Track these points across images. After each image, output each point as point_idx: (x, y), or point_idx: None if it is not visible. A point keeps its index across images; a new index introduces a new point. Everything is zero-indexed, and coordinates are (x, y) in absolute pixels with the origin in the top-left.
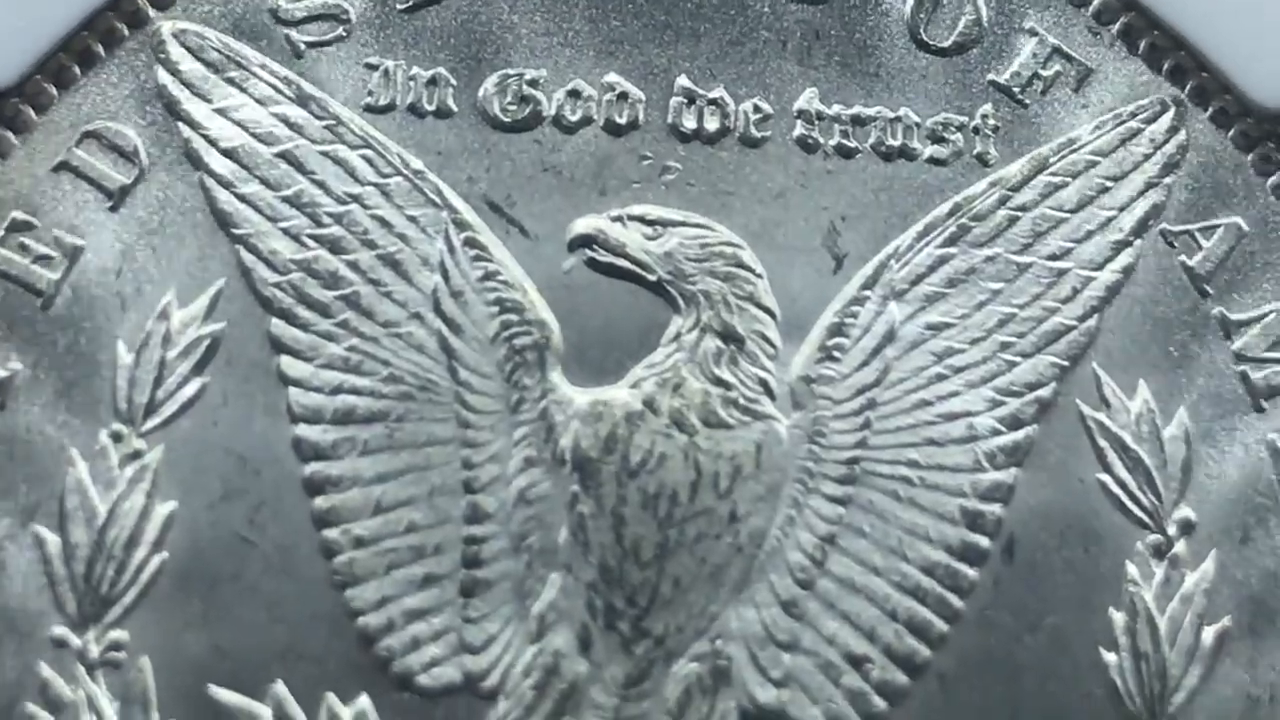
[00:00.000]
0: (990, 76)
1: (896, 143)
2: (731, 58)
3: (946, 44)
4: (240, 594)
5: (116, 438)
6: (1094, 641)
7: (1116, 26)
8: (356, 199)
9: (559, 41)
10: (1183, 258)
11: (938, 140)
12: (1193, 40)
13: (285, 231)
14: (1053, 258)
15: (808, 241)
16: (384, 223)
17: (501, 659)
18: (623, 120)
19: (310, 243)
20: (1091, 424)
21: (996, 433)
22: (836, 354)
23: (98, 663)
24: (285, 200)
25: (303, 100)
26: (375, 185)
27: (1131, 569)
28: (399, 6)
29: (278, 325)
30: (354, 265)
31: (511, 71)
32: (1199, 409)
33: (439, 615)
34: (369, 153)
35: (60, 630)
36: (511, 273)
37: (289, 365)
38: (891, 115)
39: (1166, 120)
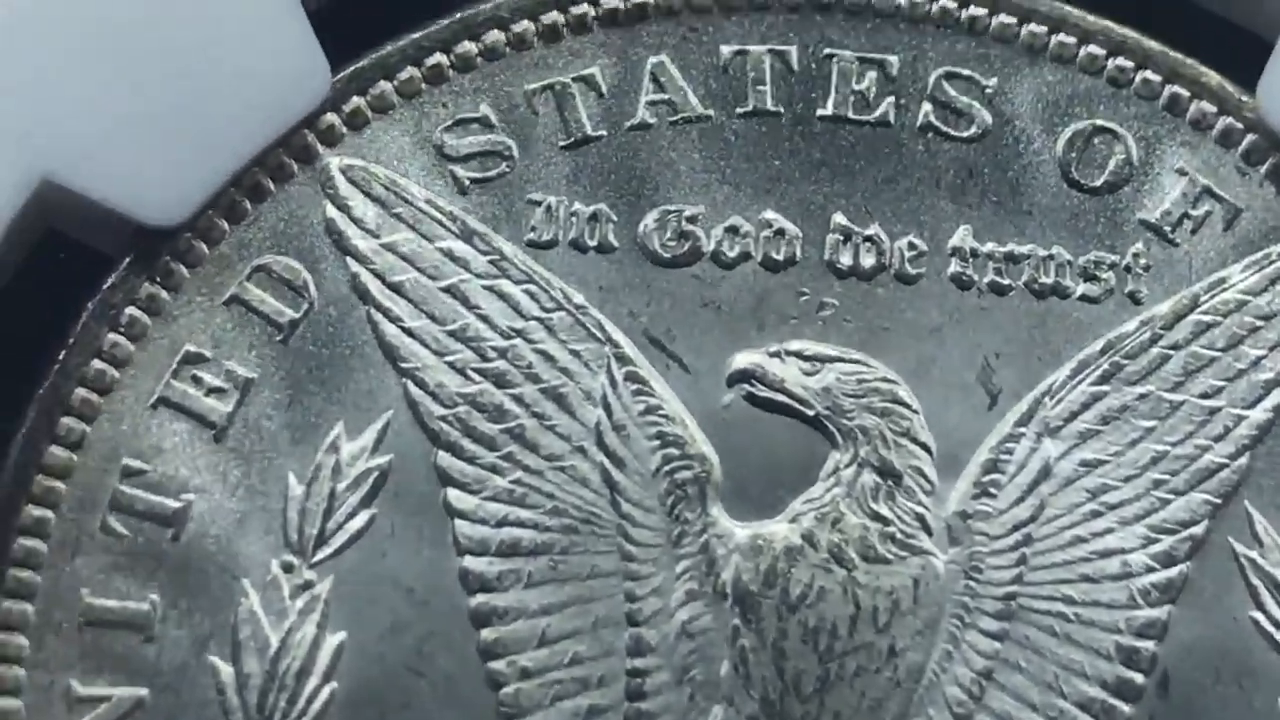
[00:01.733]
0: (1141, 215)
1: (1049, 280)
2: (886, 195)
3: (1098, 183)
4: None
5: (288, 568)
6: None
7: (1265, 166)
8: (520, 333)
9: (717, 179)
10: None
11: (1090, 278)
12: None
13: (451, 365)
14: (1204, 396)
15: (963, 378)
16: (547, 357)
17: None
18: (780, 256)
19: (476, 376)
20: (1244, 561)
21: (1150, 569)
22: (992, 490)
23: None
24: (451, 334)
25: (467, 236)
26: (539, 320)
27: None
28: (560, 144)
29: (444, 458)
30: (519, 399)
31: (671, 208)
32: None
33: None
34: (532, 287)
35: None
36: (672, 407)
37: (455, 498)
38: (1044, 253)
39: None
